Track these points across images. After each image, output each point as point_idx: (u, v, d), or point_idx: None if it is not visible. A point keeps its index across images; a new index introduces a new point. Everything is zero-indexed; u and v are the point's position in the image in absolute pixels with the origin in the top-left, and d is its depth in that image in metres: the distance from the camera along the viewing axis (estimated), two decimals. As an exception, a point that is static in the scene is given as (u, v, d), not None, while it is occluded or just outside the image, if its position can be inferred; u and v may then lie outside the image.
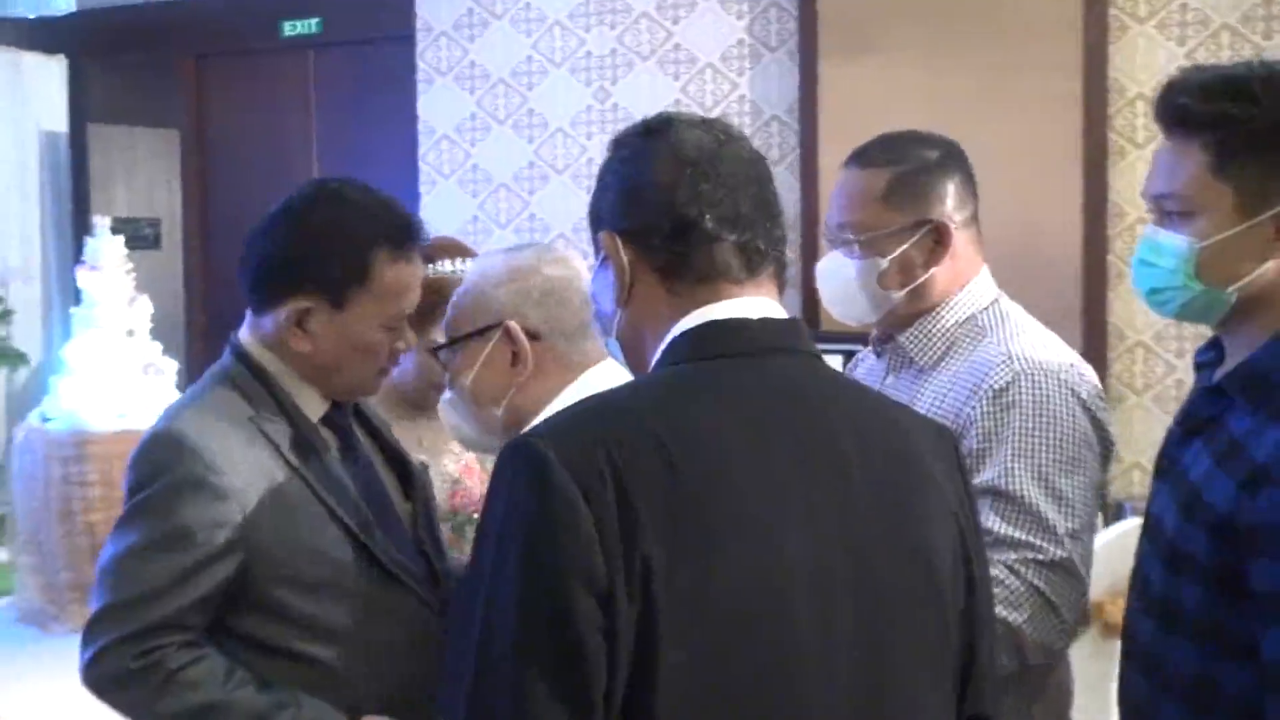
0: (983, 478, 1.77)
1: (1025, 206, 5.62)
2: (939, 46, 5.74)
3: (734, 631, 1.08)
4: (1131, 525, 3.41)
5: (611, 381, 1.63)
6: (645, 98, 6.62)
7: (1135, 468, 5.79)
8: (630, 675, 1.04)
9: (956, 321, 1.94)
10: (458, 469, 2.25)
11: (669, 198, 1.23)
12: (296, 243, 1.81)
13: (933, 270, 1.92)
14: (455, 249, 2.32)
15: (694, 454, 1.09)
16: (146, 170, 8.17)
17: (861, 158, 1.98)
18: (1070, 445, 1.80)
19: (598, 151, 6.61)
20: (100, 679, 1.74)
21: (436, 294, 2.04)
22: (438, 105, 6.98)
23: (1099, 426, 1.87)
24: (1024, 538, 1.75)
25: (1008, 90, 5.71)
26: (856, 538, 1.16)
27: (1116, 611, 3.23)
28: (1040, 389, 1.82)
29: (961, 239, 1.95)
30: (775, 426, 1.16)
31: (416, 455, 2.12)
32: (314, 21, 7.42)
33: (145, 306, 5.97)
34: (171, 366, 5.95)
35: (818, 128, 5.91)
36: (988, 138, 5.82)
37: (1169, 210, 1.54)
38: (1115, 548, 3.24)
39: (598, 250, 1.30)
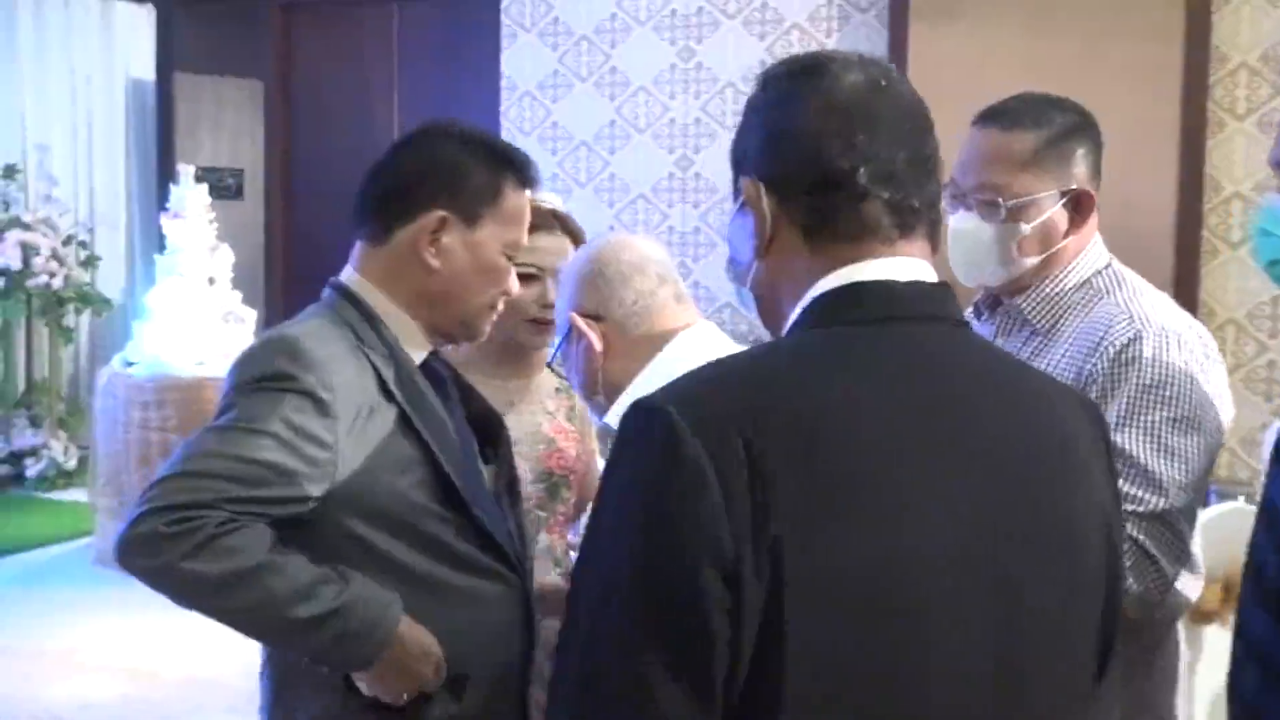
0: None
1: (1119, 178, 5.49)
2: (1034, 11, 5.63)
3: (865, 618, 1.01)
4: (1227, 509, 3.35)
5: (700, 346, 1.65)
6: (730, 57, 6.57)
7: (1224, 450, 5.73)
8: (755, 658, 0.98)
9: (1075, 285, 1.96)
10: (551, 429, 2.22)
11: (818, 147, 1.13)
12: (432, 160, 1.81)
13: (1067, 239, 1.94)
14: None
15: (832, 429, 1.02)
16: (231, 120, 8.29)
17: (1003, 118, 1.96)
18: (1185, 404, 1.81)
19: (680, 111, 6.60)
20: (128, 544, 1.59)
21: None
22: (521, 61, 6.98)
23: (1216, 386, 1.88)
24: (1125, 489, 1.74)
25: (1105, 58, 5.59)
26: (1000, 527, 1.08)
27: (1211, 598, 3.07)
28: (1161, 347, 1.83)
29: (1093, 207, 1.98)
30: (921, 403, 1.08)
31: (505, 414, 2.08)
32: (400, -25, 7.49)
33: (227, 255, 6.08)
34: (251, 315, 6.06)
35: (906, 92, 5.87)
36: (1084, 105, 5.73)
37: None
38: (1211, 531, 3.22)
39: (737, 195, 1.22)
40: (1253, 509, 3.18)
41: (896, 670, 1.02)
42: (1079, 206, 1.94)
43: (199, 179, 6.24)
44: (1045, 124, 1.93)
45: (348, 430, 1.67)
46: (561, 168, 6.87)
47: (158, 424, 5.69)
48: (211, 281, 6.00)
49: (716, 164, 6.56)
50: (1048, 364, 1.91)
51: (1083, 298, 1.95)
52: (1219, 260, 5.66)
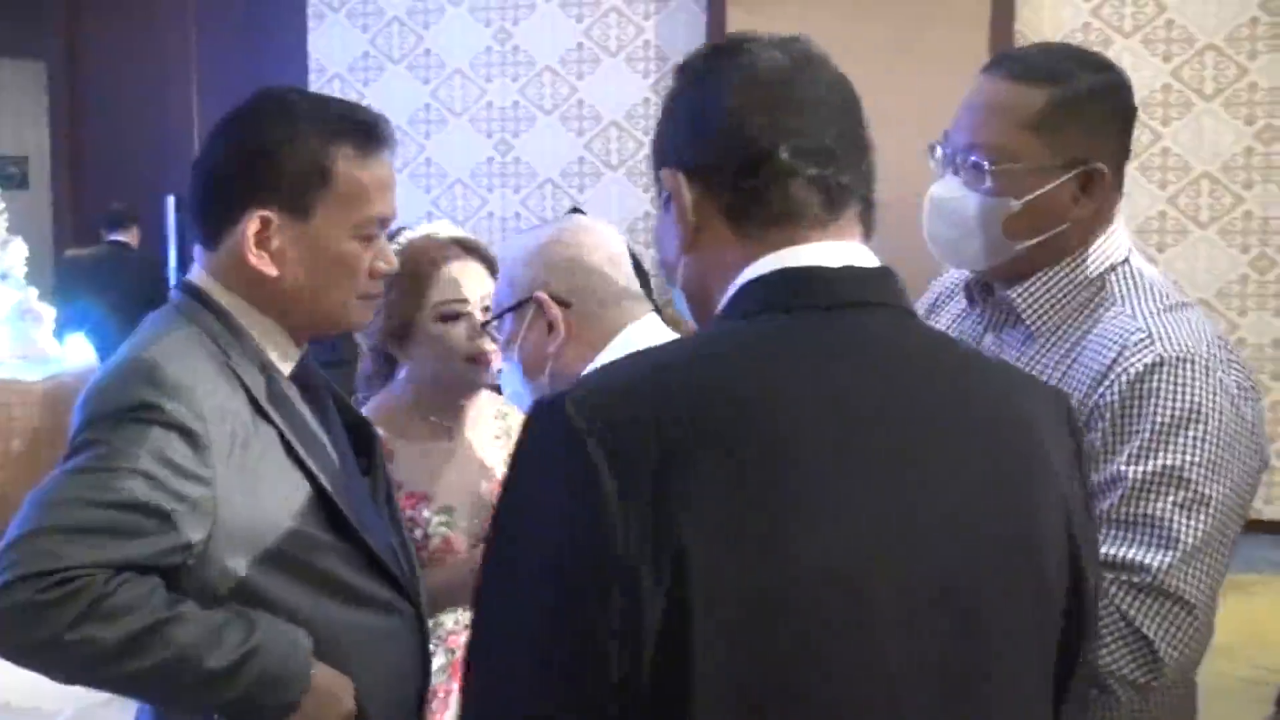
0: (1103, 474, 1.53)
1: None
2: (849, 2, 5.94)
3: (785, 636, 0.95)
4: None
5: (652, 338, 1.62)
6: (547, 39, 6.60)
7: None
8: (660, 679, 0.93)
9: (1083, 281, 1.64)
10: (494, 459, 2.17)
11: (740, 126, 1.09)
12: (244, 150, 1.62)
13: (1068, 223, 1.61)
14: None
15: (750, 429, 0.97)
16: (11, 105, 8.08)
17: (1014, 65, 1.64)
18: (1214, 447, 1.51)
19: (497, 94, 6.69)
20: (2, 616, 1.43)
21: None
22: (329, 43, 6.93)
23: (1252, 427, 1.57)
24: (1126, 554, 1.49)
25: (917, 43, 5.90)
26: (948, 531, 1.02)
27: None
28: (1184, 377, 1.53)
29: (1110, 188, 1.64)
30: (857, 396, 1.02)
31: (443, 445, 2.10)
32: (196, -49, 7.41)
33: (20, 250, 5.92)
34: (50, 312, 5.91)
35: (725, 75, 6.12)
36: (897, 90, 6.05)
37: None
38: None
39: (659, 190, 1.17)
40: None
41: (820, 693, 0.97)
42: (1089, 185, 1.60)
43: (-19, 168, 6.08)
44: (1063, 79, 1.59)
45: (224, 461, 1.54)
46: (376, 153, 6.93)
47: (-52, 429, 5.56)
48: (4, 277, 5.87)
49: (536, 148, 6.62)
50: (1044, 373, 1.64)
51: (1090, 299, 1.64)
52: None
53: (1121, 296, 1.63)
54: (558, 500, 0.96)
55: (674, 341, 1.14)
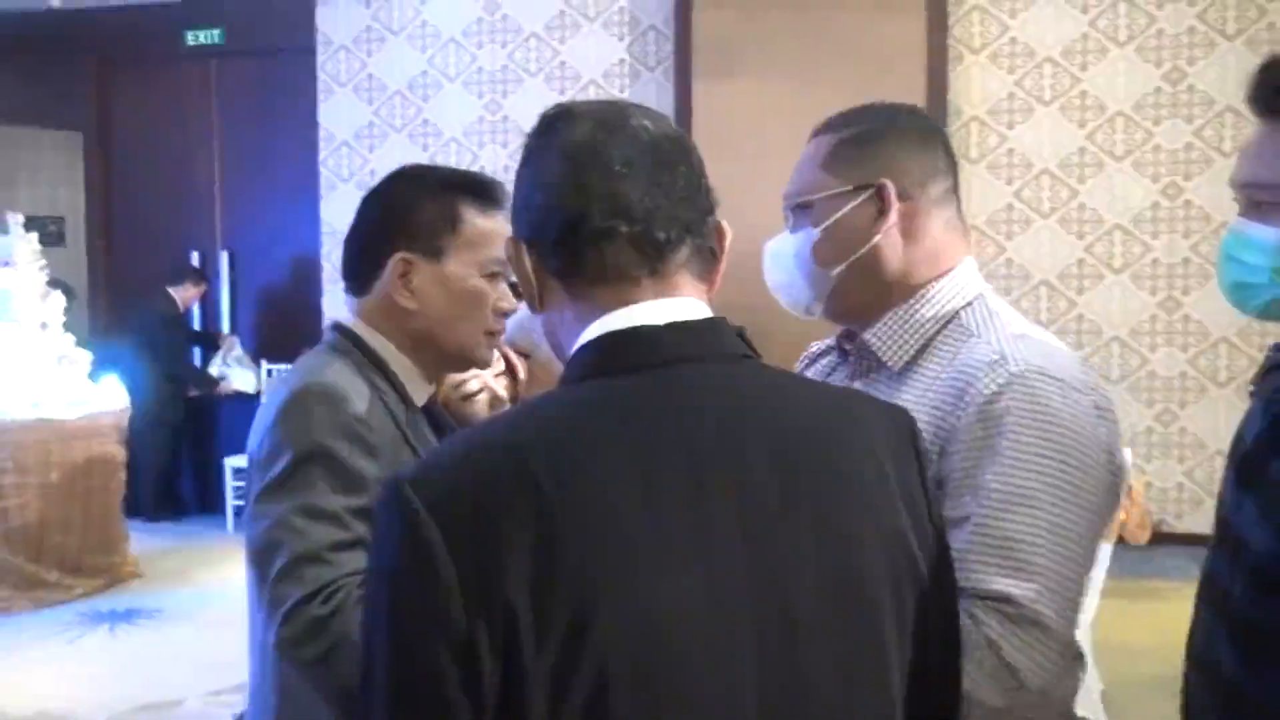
0: (961, 498, 1.43)
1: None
2: (800, 70, 6.05)
3: (609, 688, 0.93)
4: None
5: None
6: (533, 111, 6.71)
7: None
8: None
9: (933, 317, 1.57)
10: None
11: (554, 198, 1.07)
12: (385, 208, 1.76)
13: (875, 242, 1.56)
14: None
15: (571, 492, 0.95)
16: (50, 170, 8.11)
17: (821, 124, 1.65)
18: (1070, 468, 1.42)
19: (489, 160, 6.82)
20: (291, 641, 1.52)
21: None
22: (337, 114, 7.10)
23: (1107, 445, 1.47)
24: (987, 579, 1.38)
25: (861, 103, 6.06)
26: (768, 568, 1.00)
27: None
28: (1039, 398, 1.43)
29: (933, 219, 1.58)
30: (673, 453, 1.00)
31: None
32: (216, 32, 7.47)
33: (58, 301, 5.98)
34: (85, 358, 5.96)
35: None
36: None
37: (1258, 200, 1.35)
38: None
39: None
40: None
41: None
42: (883, 205, 1.56)
43: (24, 228, 6.11)
44: (854, 124, 1.60)
45: (389, 470, 1.61)
46: (380, 212, 7.00)
47: (-9, 464, 5.57)
48: (44, 326, 5.89)
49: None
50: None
51: (948, 334, 1.56)
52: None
53: (977, 328, 1.55)
54: (403, 578, 0.95)
55: (511, 412, 1.13)
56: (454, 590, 0.92)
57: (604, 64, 6.66)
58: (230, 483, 7.05)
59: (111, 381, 6.07)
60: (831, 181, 1.57)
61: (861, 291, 1.58)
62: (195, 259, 7.61)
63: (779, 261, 1.65)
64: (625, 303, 1.06)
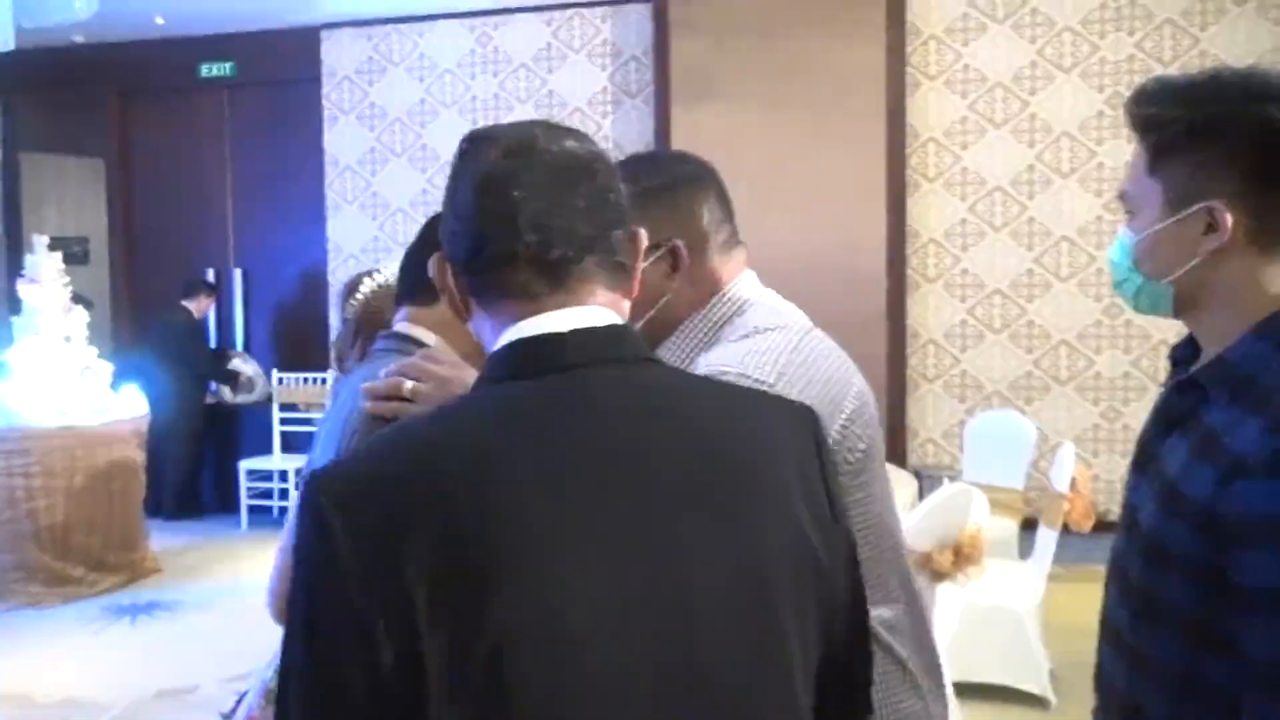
0: None
1: (841, 228, 6.14)
2: (771, 96, 6.24)
3: (507, 689, 0.91)
4: (955, 489, 3.60)
5: None
6: (522, 41, 6.90)
7: (929, 442, 6.35)
8: (407, 715, 0.92)
9: (706, 326, 1.55)
10: None
11: (465, 222, 1.08)
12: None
13: (668, 296, 1.53)
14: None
15: (477, 488, 0.95)
16: (74, 194, 8.21)
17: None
18: None
19: (480, 89, 6.96)
20: None
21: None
22: (341, 140, 7.27)
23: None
24: None
25: (827, 133, 6.20)
26: (669, 557, 0.99)
27: (943, 561, 3.34)
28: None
29: (704, 260, 1.55)
30: (576, 449, 0.99)
31: None
32: (228, 65, 7.62)
33: (81, 315, 6.06)
34: (107, 369, 6.04)
35: (670, 163, 6.33)
36: (811, 171, 6.33)
37: (1127, 209, 1.49)
38: (943, 508, 3.49)
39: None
40: (968, 488, 3.49)
41: None
42: (677, 262, 1.52)
43: (50, 247, 6.20)
44: (631, 182, 1.47)
45: None
46: (382, 230, 7.13)
47: (21, 470, 5.64)
48: (68, 339, 5.97)
49: None
50: None
51: (714, 343, 1.54)
52: (920, 291, 6.33)
53: (724, 337, 1.53)
54: (315, 574, 0.96)
55: (425, 415, 1.10)
56: (353, 581, 0.92)
57: (589, 92, 6.79)
58: (245, 484, 7.15)
59: (132, 390, 6.16)
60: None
61: (651, 338, 1.52)
62: (210, 276, 7.71)
63: None
64: (533, 314, 1.06)
